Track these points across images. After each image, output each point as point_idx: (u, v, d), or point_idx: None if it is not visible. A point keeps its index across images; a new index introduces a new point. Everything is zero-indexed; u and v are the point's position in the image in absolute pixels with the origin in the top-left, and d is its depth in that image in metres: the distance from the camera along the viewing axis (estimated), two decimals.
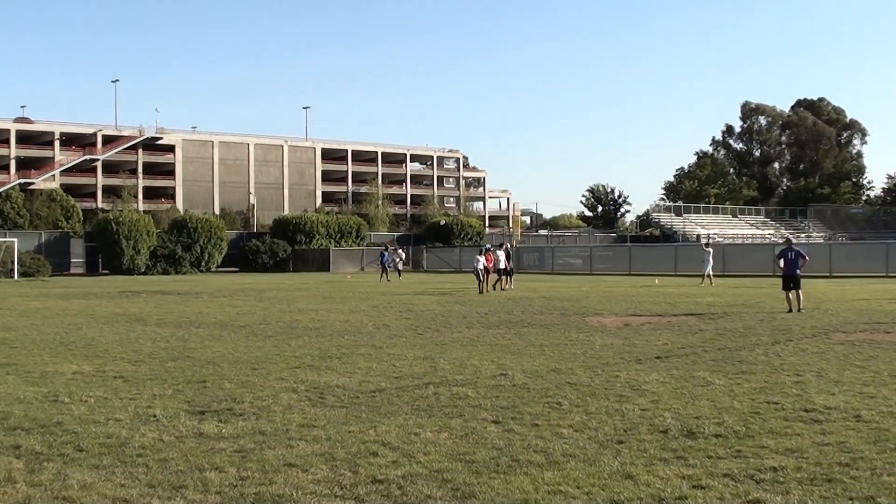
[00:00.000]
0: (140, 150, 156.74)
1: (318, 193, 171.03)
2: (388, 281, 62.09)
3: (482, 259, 47.33)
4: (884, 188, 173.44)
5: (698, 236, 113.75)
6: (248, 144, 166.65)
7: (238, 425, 12.10)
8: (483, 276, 46.38)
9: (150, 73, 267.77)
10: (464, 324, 27.83)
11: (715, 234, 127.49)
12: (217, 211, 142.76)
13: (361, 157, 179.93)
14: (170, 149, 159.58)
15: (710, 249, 56.86)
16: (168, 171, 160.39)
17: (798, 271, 32.09)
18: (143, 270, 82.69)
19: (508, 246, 54.41)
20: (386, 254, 68.26)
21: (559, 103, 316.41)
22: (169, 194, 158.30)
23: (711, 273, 54.20)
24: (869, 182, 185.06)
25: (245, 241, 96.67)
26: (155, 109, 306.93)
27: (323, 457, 10.28)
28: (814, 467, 9.75)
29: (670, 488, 8.97)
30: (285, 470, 9.71)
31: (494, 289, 46.75)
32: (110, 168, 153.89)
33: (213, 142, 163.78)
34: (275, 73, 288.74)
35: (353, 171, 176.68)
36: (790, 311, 31.04)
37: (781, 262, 32.71)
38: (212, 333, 25.29)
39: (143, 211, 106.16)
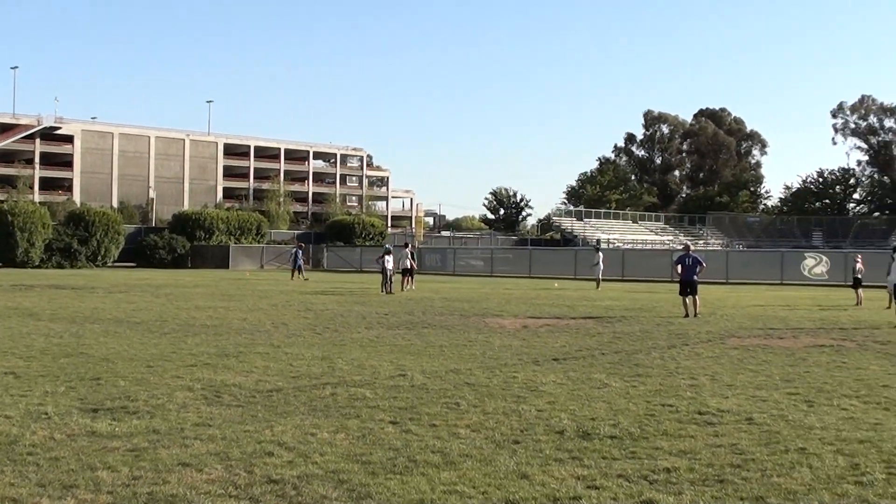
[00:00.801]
0: (38, 140, 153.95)
1: (220, 189, 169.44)
2: (306, 280, 61.93)
3: (390, 258, 47.42)
4: (780, 198, 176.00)
5: (598, 240, 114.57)
6: (149, 137, 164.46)
7: (132, 424, 11.98)
8: (390, 275, 46.40)
9: (50, 61, 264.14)
10: (363, 324, 27.81)
11: (615, 239, 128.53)
12: (115, 204, 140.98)
13: (264, 153, 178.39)
14: (68, 139, 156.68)
15: (601, 253, 57.35)
16: (66, 161, 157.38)
17: (695, 277, 32.49)
18: (37, 264, 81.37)
19: (413, 246, 54.62)
20: (300, 252, 67.78)
21: (465, 105, 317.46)
22: (66, 186, 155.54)
23: (601, 276, 54.83)
24: (766, 191, 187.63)
25: (143, 236, 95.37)
26: (55, 98, 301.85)
27: (218, 456, 10.22)
28: (706, 468, 9.90)
29: (565, 488, 9.04)
30: (179, 469, 9.63)
31: (391, 291, 46.69)
32: (5, 157, 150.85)
33: (112, 133, 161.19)
34: (178, 66, 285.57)
35: (255, 168, 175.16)
36: (686, 315, 31.40)
37: (679, 268, 33.08)
38: (107, 330, 25.00)
39: (39, 202, 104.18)
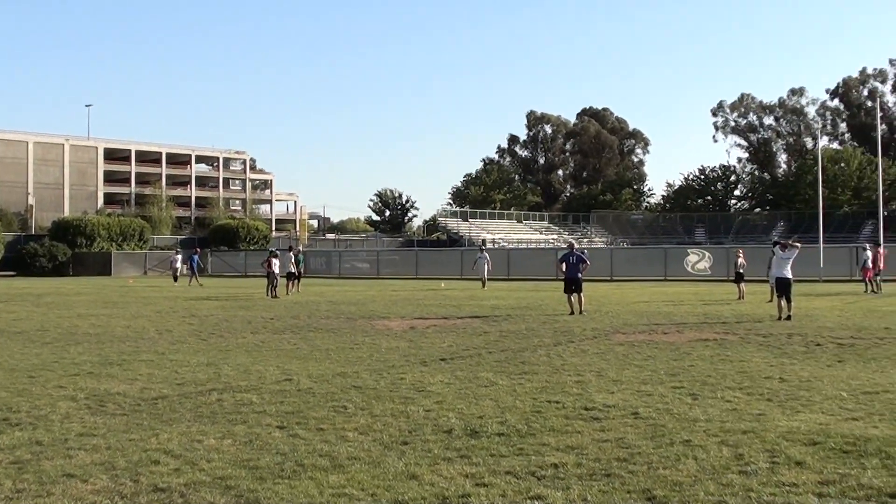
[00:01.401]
0: None
1: (101, 195, 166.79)
2: (201, 285, 61.61)
3: (276, 262, 47.29)
4: (663, 195, 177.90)
5: (483, 241, 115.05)
6: (27, 143, 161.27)
7: (14, 436, 11.78)
8: (276, 280, 46.25)
9: None
10: (249, 329, 27.65)
11: (500, 238, 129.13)
12: None
13: (146, 157, 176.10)
14: None
15: (486, 253, 57.61)
16: None
17: (579, 275, 32.76)
18: None
19: (297, 250, 54.50)
20: (195, 257, 67.24)
21: (348, 107, 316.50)
22: None
23: (486, 276, 55.10)
24: (649, 189, 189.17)
25: (22, 244, 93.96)
26: None
27: (103, 466, 10.08)
28: (593, 463, 9.98)
29: (454, 487, 9.06)
30: (64, 480, 9.47)
31: (276, 295, 46.45)
32: None
33: None
34: (56, 69, 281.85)
35: (136, 172, 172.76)
36: (572, 313, 31.66)
37: (563, 266, 33.31)
38: None
39: None
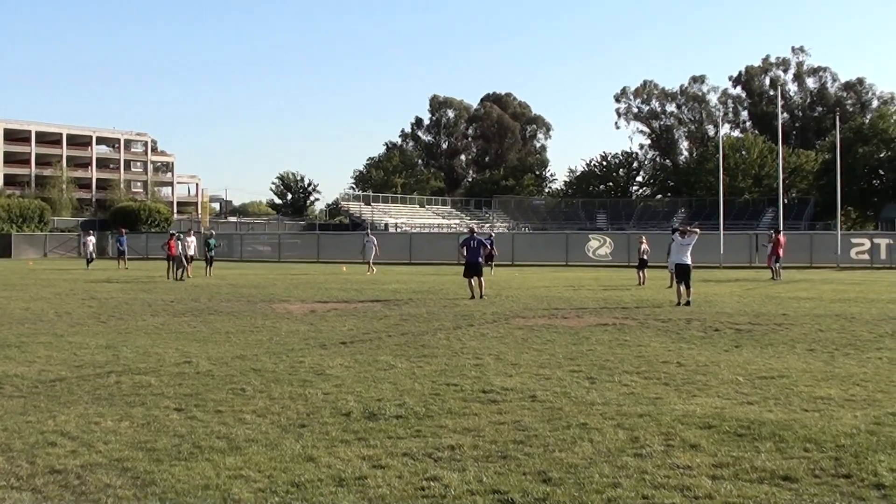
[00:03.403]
0: None
1: (0, 176, 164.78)
2: (126, 268, 60.34)
3: (191, 242, 47.33)
4: (565, 181, 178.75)
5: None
6: None
7: None
8: (181, 262, 46.07)
9: None
10: (149, 311, 27.46)
11: (403, 223, 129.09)
12: None
13: (46, 138, 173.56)
14: None
15: (373, 237, 57.59)
16: None
17: (480, 259, 32.89)
18: None
19: (212, 233, 54.38)
20: (123, 239, 66.19)
21: (250, 88, 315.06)
22: None
23: (372, 260, 55.09)
24: (552, 175, 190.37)
25: None
26: None
27: None
28: (490, 445, 10.06)
29: (351, 469, 9.10)
30: None
31: (181, 278, 46.13)
32: None
33: None
34: None
35: (37, 153, 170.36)
36: (472, 297, 31.80)
37: (464, 251, 33.41)
38: None
39: None
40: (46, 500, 8.15)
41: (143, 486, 8.56)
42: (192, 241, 49.03)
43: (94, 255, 65.86)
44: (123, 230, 72.05)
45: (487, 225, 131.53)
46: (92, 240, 67.34)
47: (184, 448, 9.93)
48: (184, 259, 46.60)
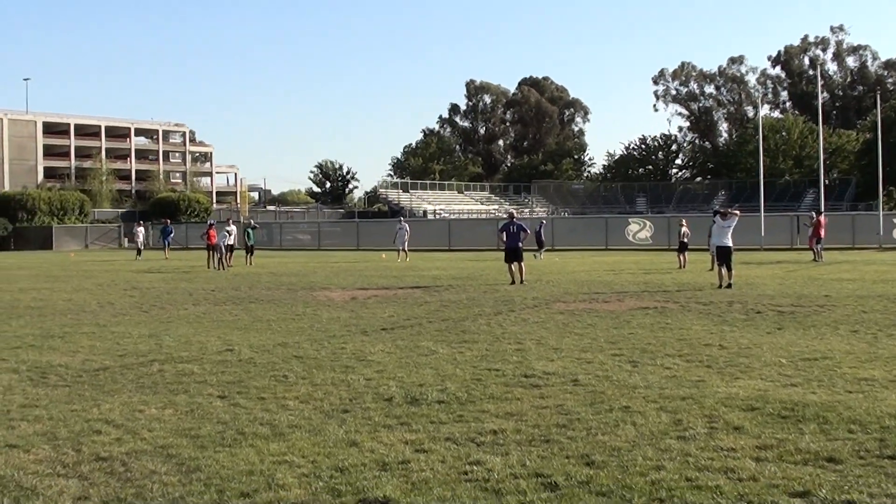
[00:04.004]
0: None
1: (41, 169, 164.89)
2: (167, 259, 60.62)
3: (234, 231, 47.65)
4: (604, 165, 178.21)
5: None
6: None
7: None
8: (221, 251, 46.22)
9: None
10: (190, 300, 27.58)
11: (441, 209, 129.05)
12: None
13: (85, 131, 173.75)
14: None
15: (405, 224, 57.23)
16: None
17: (520, 244, 32.82)
18: None
19: (251, 223, 54.55)
20: (170, 229, 66.31)
21: (287, 78, 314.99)
22: None
23: (405, 247, 54.77)
24: (590, 159, 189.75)
25: None
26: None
27: (45, 436, 10.06)
28: (532, 429, 10.04)
29: (394, 453, 9.11)
30: (6, 451, 9.46)
31: (224, 267, 46.27)
32: None
33: None
34: None
35: (76, 146, 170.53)
36: (512, 282, 31.78)
37: (504, 236, 33.37)
38: None
39: None
40: (92, 487, 8.19)
41: (187, 472, 8.60)
42: (232, 230, 49.09)
43: (146, 245, 65.66)
44: (167, 221, 72.17)
45: (526, 210, 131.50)
46: (142, 231, 67.34)
47: (228, 435, 9.98)
48: (223, 248, 46.77)
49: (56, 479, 8.46)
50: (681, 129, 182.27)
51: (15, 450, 9.51)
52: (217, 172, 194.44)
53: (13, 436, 10.12)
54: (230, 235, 48.32)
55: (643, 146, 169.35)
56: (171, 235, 65.92)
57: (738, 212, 31.35)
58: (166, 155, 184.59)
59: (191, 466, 8.76)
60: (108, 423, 10.63)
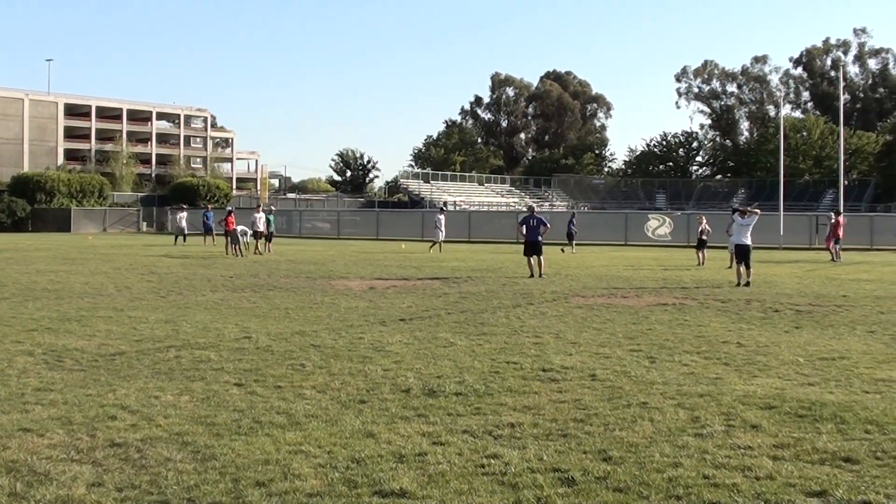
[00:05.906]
0: None
1: (61, 150, 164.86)
2: (215, 245, 57.86)
3: (261, 217, 47.82)
4: (625, 161, 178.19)
5: (445, 203, 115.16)
6: None
7: None
8: (237, 238, 46.18)
9: None
10: (208, 287, 27.59)
11: (461, 201, 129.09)
12: None
13: (106, 113, 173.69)
14: None
15: (441, 216, 56.20)
16: None
17: (540, 238, 32.76)
18: None
19: (270, 209, 54.48)
20: (210, 214, 64.48)
21: (311, 65, 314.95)
22: None
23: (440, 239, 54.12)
24: (611, 154, 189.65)
25: None
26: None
27: (59, 421, 10.06)
28: (550, 423, 10.04)
29: (411, 445, 9.10)
30: (20, 435, 9.45)
31: (242, 254, 46.29)
32: None
33: None
34: (16, 23, 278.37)
35: (97, 128, 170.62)
36: (532, 276, 31.74)
37: (524, 229, 33.32)
38: None
39: None
40: (107, 474, 8.17)
41: (203, 460, 8.58)
42: (260, 216, 49.02)
43: (187, 231, 64.12)
44: (208, 206, 71.56)
45: (547, 204, 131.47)
46: (184, 215, 65.87)
47: (244, 423, 9.96)
48: (249, 236, 46.86)
49: (70, 465, 8.44)
50: (702, 126, 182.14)
51: (29, 434, 9.50)
52: (238, 158, 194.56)
53: (27, 419, 10.12)
54: (259, 222, 48.29)
55: (664, 143, 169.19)
56: (212, 221, 64.28)
57: (757, 210, 31.23)
58: (187, 140, 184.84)
59: (206, 454, 8.74)
60: (124, 409, 10.63)
